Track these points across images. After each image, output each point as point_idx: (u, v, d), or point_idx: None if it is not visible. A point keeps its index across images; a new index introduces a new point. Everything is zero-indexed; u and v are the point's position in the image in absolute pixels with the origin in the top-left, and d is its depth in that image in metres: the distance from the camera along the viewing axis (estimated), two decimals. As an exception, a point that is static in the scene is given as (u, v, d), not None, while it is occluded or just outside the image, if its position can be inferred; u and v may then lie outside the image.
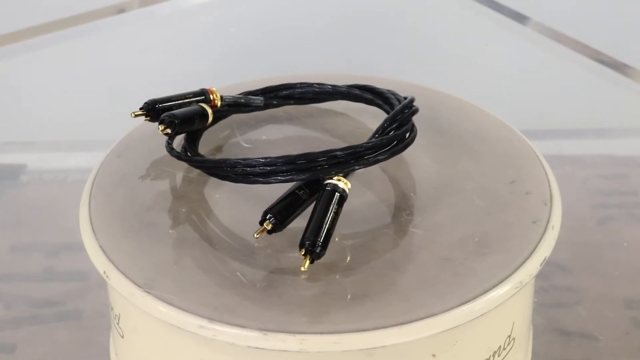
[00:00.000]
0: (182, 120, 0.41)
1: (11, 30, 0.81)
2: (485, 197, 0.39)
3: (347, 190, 0.36)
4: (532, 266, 0.35)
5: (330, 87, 0.45)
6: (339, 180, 0.36)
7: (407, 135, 0.40)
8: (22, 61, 0.78)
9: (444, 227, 0.37)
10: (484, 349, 0.36)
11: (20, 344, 0.48)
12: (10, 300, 0.51)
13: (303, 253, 0.35)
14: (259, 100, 0.44)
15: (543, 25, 0.82)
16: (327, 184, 0.36)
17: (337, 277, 0.35)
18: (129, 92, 0.72)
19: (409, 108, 0.41)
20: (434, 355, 0.35)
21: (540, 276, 0.48)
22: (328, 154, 0.37)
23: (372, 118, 0.43)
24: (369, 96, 0.44)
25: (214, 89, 0.43)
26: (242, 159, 0.37)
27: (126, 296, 0.35)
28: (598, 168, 0.62)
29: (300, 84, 0.45)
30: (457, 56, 0.77)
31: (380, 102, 0.43)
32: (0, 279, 0.53)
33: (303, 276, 0.35)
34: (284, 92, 0.45)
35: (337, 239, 0.37)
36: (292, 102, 0.45)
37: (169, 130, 0.40)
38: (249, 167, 0.37)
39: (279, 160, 0.36)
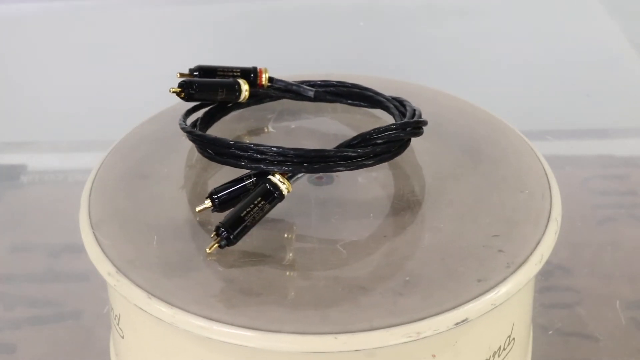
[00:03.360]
0: (201, 87, 0.41)
1: (10, 29, 0.81)
2: (455, 241, 0.37)
3: (285, 192, 0.36)
4: (444, 321, 0.33)
5: (372, 93, 0.44)
6: (282, 181, 0.36)
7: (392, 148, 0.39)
8: (22, 61, 0.78)
9: (380, 256, 0.36)
10: (484, 349, 0.36)
11: (20, 344, 0.48)
12: (10, 301, 0.51)
13: (214, 235, 0.35)
14: (310, 91, 0.44)
15: (542, 25, 0.82)
16: (268, 179, 0.36)
17: (257, 270, 0.35)
18: (130, 92, 0.72)
19: (393, 129, 0.39)
20: (434, 356, 0.35)
21: (540, 276, 0.48)
22: (341, 153, 0.37)
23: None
24: (397, 112, 0.43)
25: (264, 69, 0.44)
26: (253, 144, 0.37)
27: (81, 230, 0.38)
28: (598, 168, 0.62)
29: (353, 85, 0.45)
30: (458, 56, 0.77)
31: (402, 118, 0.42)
32: (1, 279, 0.53)
33: (211, 258, 0.36)
34: (337, 89, 0.45)
35: (291, 237, 0.37)
36: (343, 100, 0.45)
37: (183, 95, 0.40)
38: (260, 153, 0.37)
39: (291, 151, 0.37)
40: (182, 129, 0.40)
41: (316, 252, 0.36)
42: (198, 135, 0.39)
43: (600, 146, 0.66)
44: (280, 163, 0.37)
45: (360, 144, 0.38)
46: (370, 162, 0.38)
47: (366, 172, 0.40)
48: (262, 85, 0.44)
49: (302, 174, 0.37)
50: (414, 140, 0.41)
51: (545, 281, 0.51)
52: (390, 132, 0.39)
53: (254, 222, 0.36)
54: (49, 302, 0.51)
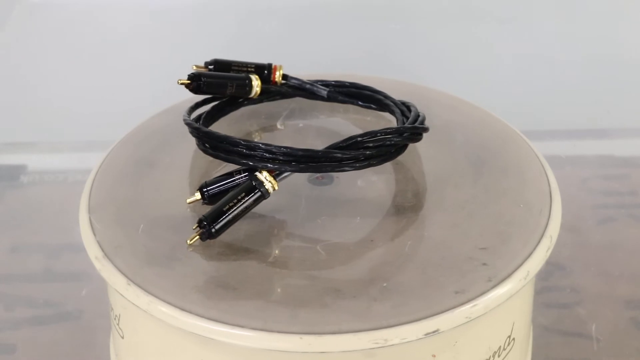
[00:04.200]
0: (210, 80, 0.41)
1: (9, 28, 0.81)
2: (440, 251, 0.36)
3: (270, 190, 0.37)
4: (413, 331, 0.33)
5: (382, 96, 0.44)
6: (269, 179, 0.37)
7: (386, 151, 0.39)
8: (22, 61, 0.78)
9: (363, 260, 0.36)
10: (484, 349, 0.36)
11: (20, 345, 0.48)
12: (10, 301, 0.51)
13: (196, 227, 0.36)
14: (323, 91, 0.44)
15: (542, 25, 0.82)
16: (254, 176, 0.37)
17: (238, 264, 0.36)
18: (129, 92, 0.72)
19: (385, 134, 0.38)
20: (434, 356, 0.35)
21: (540, 276, 0.48)
22: (329, 155, 0.37)
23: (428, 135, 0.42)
24: (401, 116, 0.42)
25: (279, 66, 0.44)
26: (243, 140, 0.37)
27: (79, 212, 0.39)
28: (598, 168, 0.62)
29: (364, 87, 0.45)
30: (458, 55, 0.77)
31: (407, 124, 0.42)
32: (1, 280, 0.53)
33: (193, 249, 0.36)
34: (349, 90, 0.45)
35: (277, 234, 0.37)
36: (355, 102, 0.45)
37: (191, 87, 0.41)
38: (250, 149, 0.37)
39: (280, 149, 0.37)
40: (184, 119, 0.40)
41: (300, 251, 0.36)
42: (195, 127, 0.39)
43: (600, 146, 0.66)
44: (267, 160, 0.37)
45: (351, 146, 0.38)
46: (358, 165, 0.38)
47: (366, 175, 0.40)
48: (276, 82, 0.44)
49: (289, 172, 0.37)
50: (421, 146, 0.41)
51: (545, 281, 0.51)
52: (382, 137, 0.38)
53: (236, 217, 0.36)
54: (49, 302, 0.51)
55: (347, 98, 0.45)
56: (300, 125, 0.45)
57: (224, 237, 0.36)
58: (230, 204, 0.36)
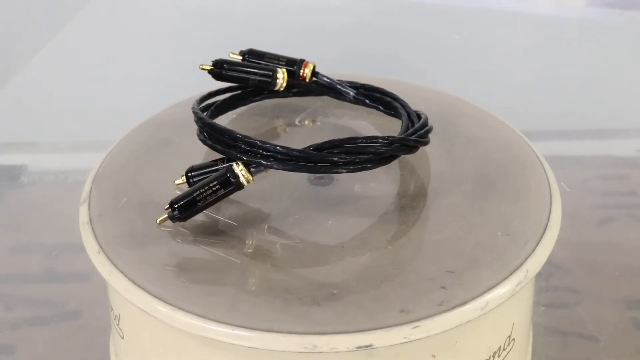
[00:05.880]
0: (232, 68, 0.42)
1: (11, 31, 0.81)
2: (405, 267, 0.35)
3: (243, 182, 0.37)
4: (344, 342, 0.32)
5: (399, 104, 0.43)
6: (244, 172, 0.37)
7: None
8: (21, 62, 0.78)
9: (323, 264, 0.36)
10: (484, 350, 0.36)
11: (20, 345, 0.48)
12: (10, 301, 0.51)
13: (168, 208, 0.37)
14: (350, 93, 0.44)
15: (542, 24, 0.82)
16: (230, 166, 0.37)
17: (204, 250, 0.36)
18: (129, 92, 0.72)
19: (362, 142, 0.38)
20: (434, 356, 0.35)
21: (540, 276, 0.48)
22: (305, 153, 0.37)
23: (434, 144, 0.41)
24: (406, 127, 0.42)
25: (311, 63, 0.44)
26: (227, 130, 0.38)
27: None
28: (598, 168, 0.62)
29: (387, 93, 0.44)
30: (458, 56, 0.77)
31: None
32: (1, 280, 0.53)
33: (163, 229, 0.37)
34: (373, 94, 0.45)
35: (250, 223, 0.38)
36: (378, 107, 0.44)
37: (215, 71, 0.42)
38: (233, 140, 0.37)
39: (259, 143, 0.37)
40: (192, 106, 0.41)
41: (266, 245, 0.37)
42: (194, 111, 0.40)
43: (600, 146, 0.66)
44: (245, 153, 0.37)
45: (330, 149, 0.37)
46: (335, 169, 0.37)
47: (367, 179, 0.40)
48: (304, 78, 0.44)
49: (264, 168, 0.37)
50: (435, 157, 0.41)
51: (545, 281, 0.51)
52: (364, 144, 0.38)
53: (206, 204, 0.37)
54: (49, 302, 0.51)
55: (371, 102, 0.45)
56: (318, 124, 0.45)
57: (199, 219, 0.37)
58: (201, 190, 0.37)
